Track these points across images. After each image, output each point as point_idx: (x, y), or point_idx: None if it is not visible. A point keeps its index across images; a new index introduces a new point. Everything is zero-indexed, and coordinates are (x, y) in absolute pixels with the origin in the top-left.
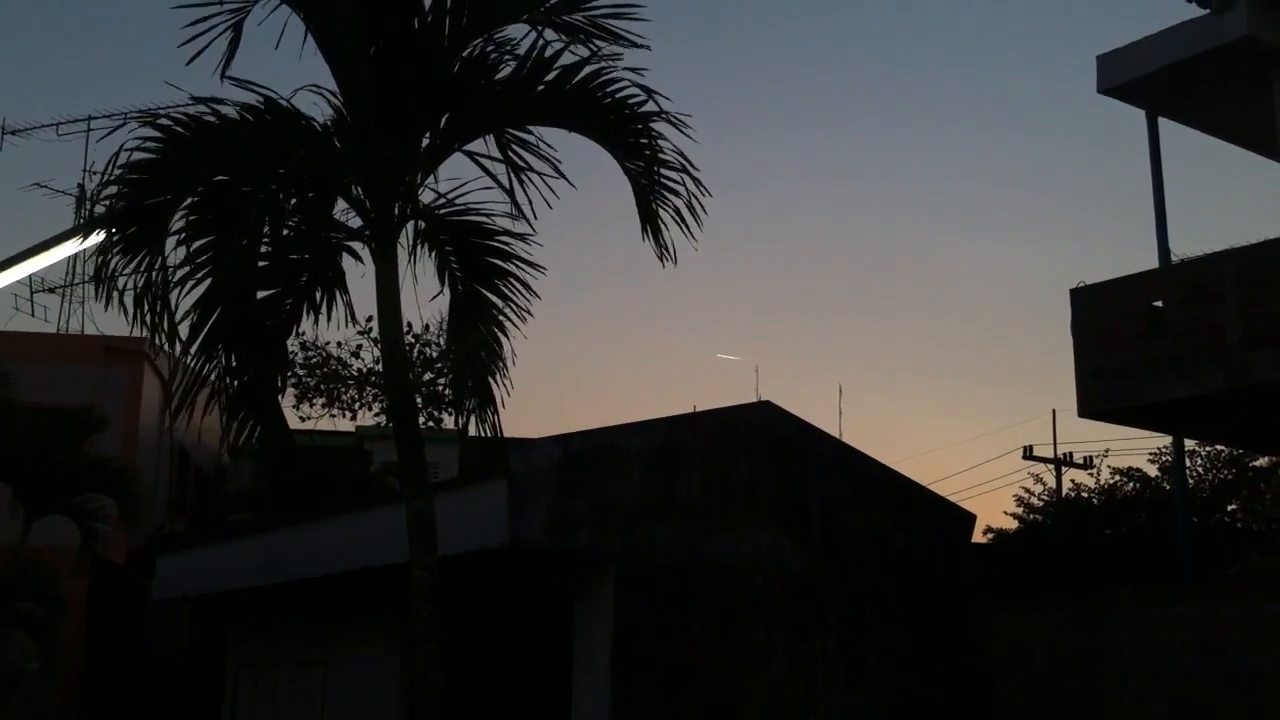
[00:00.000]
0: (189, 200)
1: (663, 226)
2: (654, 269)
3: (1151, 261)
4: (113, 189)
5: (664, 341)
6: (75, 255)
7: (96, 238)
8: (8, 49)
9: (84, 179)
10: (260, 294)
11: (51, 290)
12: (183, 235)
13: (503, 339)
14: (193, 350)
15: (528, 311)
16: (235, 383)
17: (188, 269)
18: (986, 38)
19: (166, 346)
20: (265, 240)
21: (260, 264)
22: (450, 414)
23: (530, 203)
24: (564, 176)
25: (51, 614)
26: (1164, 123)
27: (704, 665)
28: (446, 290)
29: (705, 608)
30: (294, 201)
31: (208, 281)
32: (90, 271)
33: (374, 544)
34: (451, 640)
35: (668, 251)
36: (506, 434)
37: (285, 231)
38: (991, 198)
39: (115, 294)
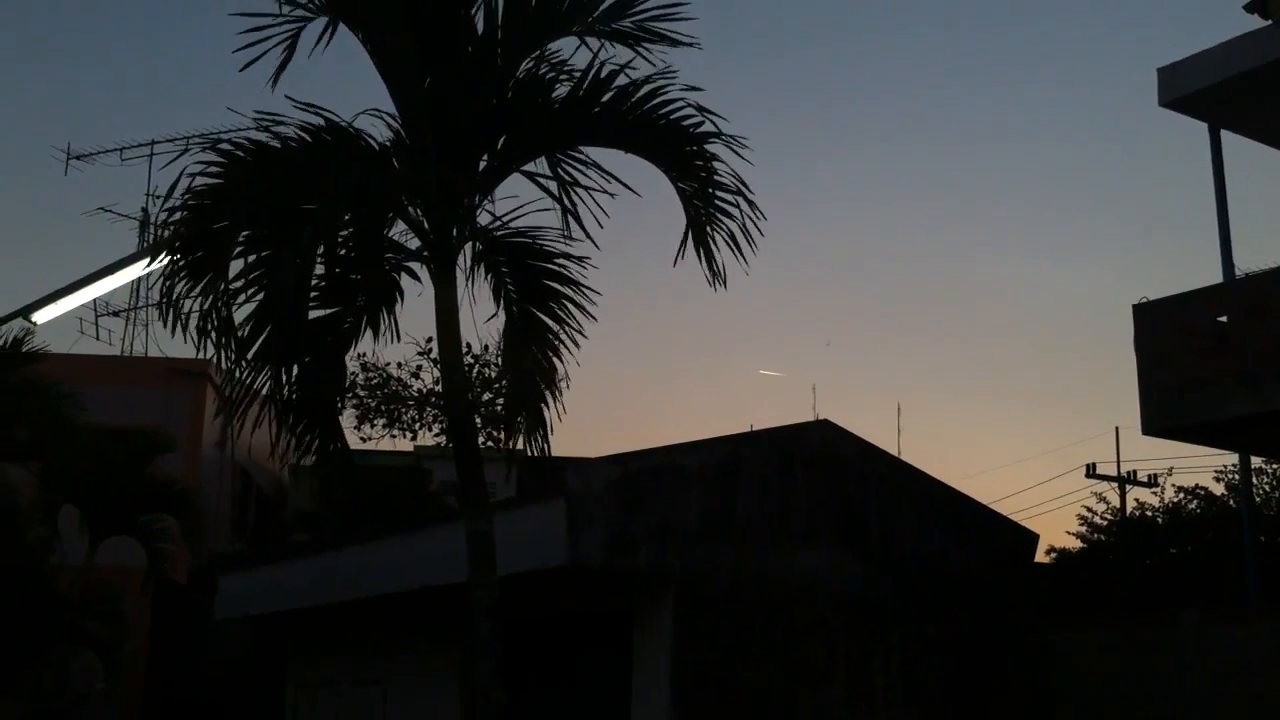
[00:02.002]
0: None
1: (715, 250)
2: (709, 289)
3: (1216, 276)
4: (177, 215)
5: (718, 361)
6: (139, 279)
7: (161, 263)
8: (73, 76)
9: (147, 203)
10: (319, 312)
11: (116, 314)
12: (239, 252)
13: (556, 362)
14: (244, 363)
15: (581, 333)
16: (290, 398)
17: (242, 283)
18: (1046, 53)
19: (230, 368)
20: (321, 259)
21: (319, 283)
22: (502, 434)
23: (595, 222)
24: (631, 190)
25: (117, 633)
26: (1227, 135)
27: (763, 685)
28: (502, 312)
29: (765, 627)
30: (350, 220)
31: (260, 296)
32: (154, 296)
33: (433, 563)
34: (510, 659)
35: (719, 275)
36: (562, 454)
37: (343, 251)
38: (1053, 213)
39: (180, 319)
